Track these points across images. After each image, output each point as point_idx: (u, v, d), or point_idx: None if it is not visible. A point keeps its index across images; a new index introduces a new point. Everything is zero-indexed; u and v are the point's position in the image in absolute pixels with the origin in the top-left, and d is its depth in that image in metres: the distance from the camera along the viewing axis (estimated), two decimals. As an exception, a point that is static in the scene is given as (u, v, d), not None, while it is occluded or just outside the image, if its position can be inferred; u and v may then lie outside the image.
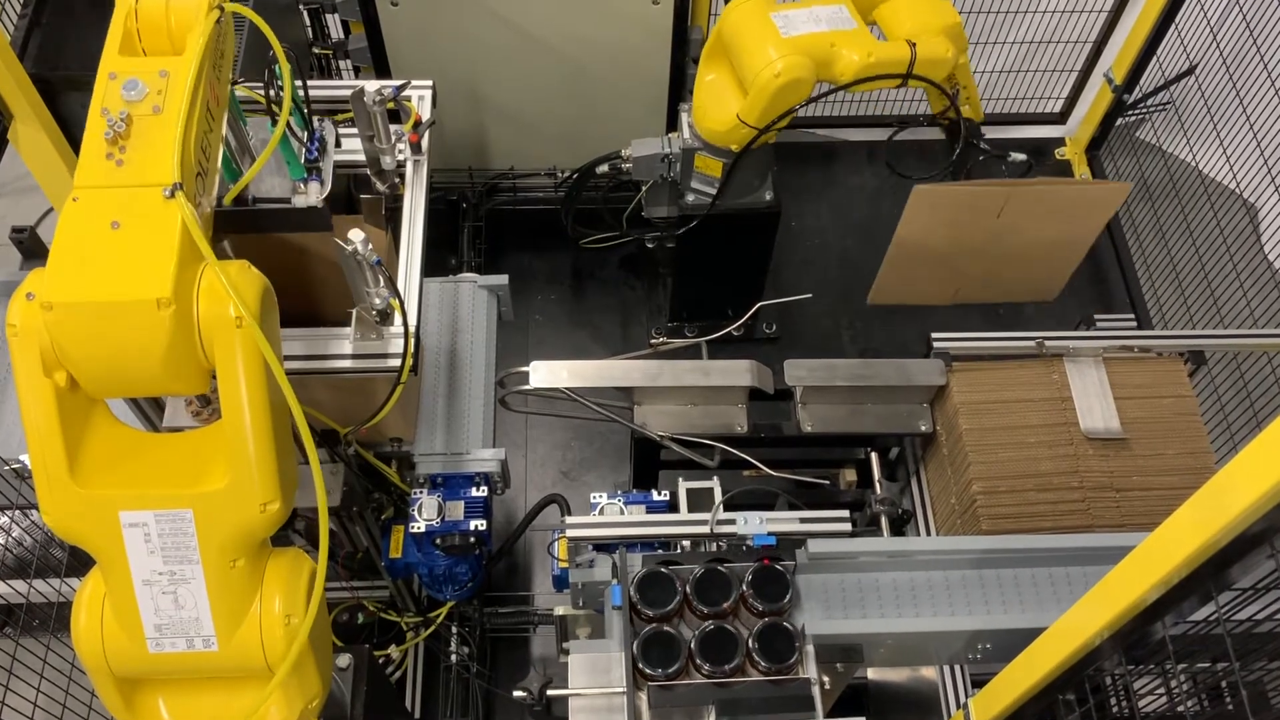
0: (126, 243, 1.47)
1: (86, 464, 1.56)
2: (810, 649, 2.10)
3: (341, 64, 3.81)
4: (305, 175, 2.06)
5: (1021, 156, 3.41)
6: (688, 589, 2.09)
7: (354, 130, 2.25)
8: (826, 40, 2.85)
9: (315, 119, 2.11)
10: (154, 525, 1.56)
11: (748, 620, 2.12)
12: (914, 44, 2.88)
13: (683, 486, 2.49)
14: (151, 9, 1.68)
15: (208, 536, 1.58)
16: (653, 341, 3.82)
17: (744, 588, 2.10)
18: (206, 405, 2.14)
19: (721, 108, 3.02)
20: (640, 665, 2.03)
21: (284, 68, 1.88)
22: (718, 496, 2.42)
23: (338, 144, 2.22)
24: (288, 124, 1.93)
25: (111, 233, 1.47)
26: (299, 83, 1.99)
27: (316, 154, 2.09)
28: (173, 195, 1.48)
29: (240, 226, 2.09)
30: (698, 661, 2.04)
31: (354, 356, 2.10)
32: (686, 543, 2.36)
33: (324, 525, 1.62)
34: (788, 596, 2.09)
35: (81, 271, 1.45)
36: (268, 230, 2.17)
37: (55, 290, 1.44)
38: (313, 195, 2.07)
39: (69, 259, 1.47)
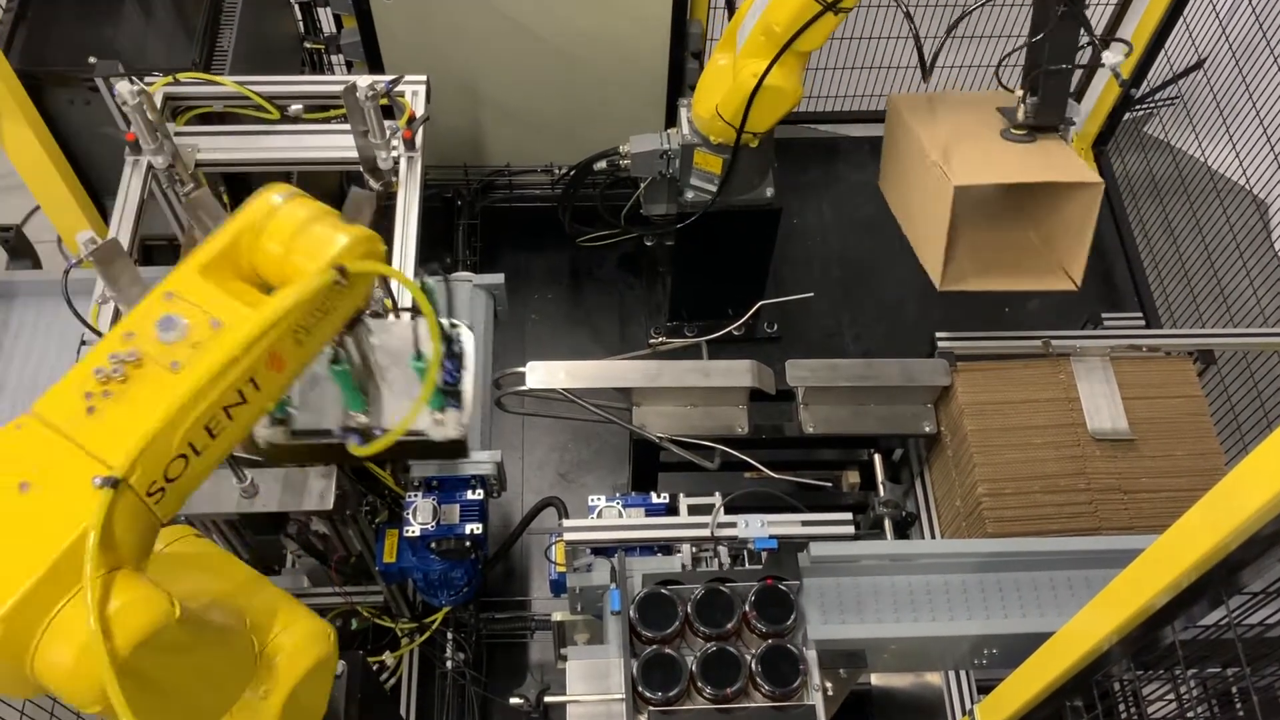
0: (16, 516, 1.18)
1: None
2: (813, 655, 2.09)
3: (334, 59, 3.81)
4: (442, 404, 1.81)
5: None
6: (689, 610, 2.09)
7: (347, 126, 2.25)
8: (760, 24, 2.73)
9: (450, 322, 1.78)
10: None
11: (751, 641, 2.11)
12: None
13: (684, 503, 2.49)
14: (268, 247, 1.37)
15: None
16: (652, 341, 3.81)
17: (746, 609, 2.10)
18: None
19: (711, 95, 3.01)
20: (640, 688, 2.02)
21: (427, 314, 1.56)
22: (718, 500, 2.42)
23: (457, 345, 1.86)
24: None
25: (14, 493, 1.18)
26: (445, 321, 1.69)
27: (455, 376, 1.82)
28: (104, 486, 1.17)
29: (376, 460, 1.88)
30: (699, 684, 2.03)
31: (347, 357, 2.09)
32: (687, 548, 2.35)
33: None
34: (791, 618, 2.08)
35: None
36: (400, 459, 1.94)
37: None
38: (451, 425, 1.82)
39: None
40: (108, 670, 1.14)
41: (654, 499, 2.50)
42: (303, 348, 1.36)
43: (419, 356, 1.65)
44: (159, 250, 3.06)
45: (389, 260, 2.22)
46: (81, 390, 1.24)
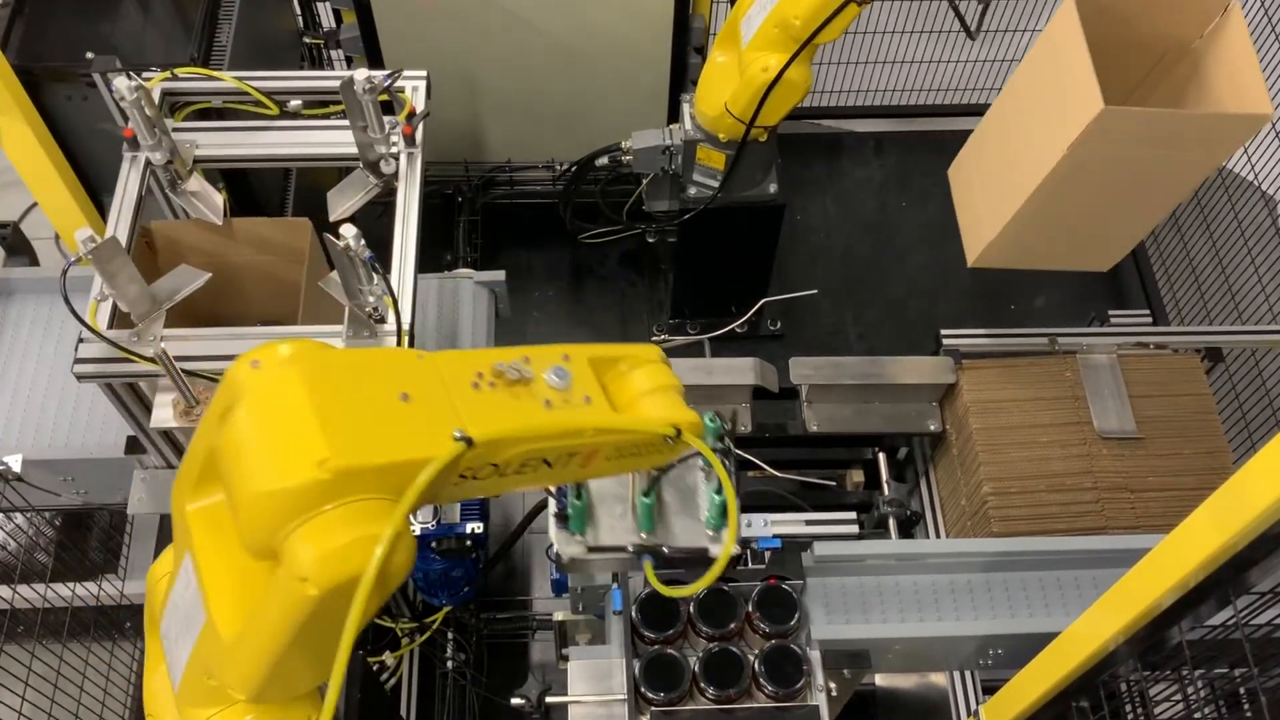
0: (388, 413, 1.34)
1: None
2: (817, 655, 2.09)
3: (333, 54, 3.81)
4: (719, 524, 1.95)
5: None
6: (691, 610, 2.09)
7: (346, 122, 2.25)
8: (773, 18, 2.73)
9: (724, 450, 1.93)
10: None
11: (754, 641, 2.11)
12: None
13: None
14: (633, 381, 1.62)
15: None
16: (654, 339, 3.82)
17: (749, 609, 2.09)
18: (197, 404, 2.14)
19: (717, 93, 3.01)
20: (642, 689, 2.02)
21: (720, 473, 1.78)
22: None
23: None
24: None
25: (395, 395, 1.35)
26: (728, 463, 1.88)
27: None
28: (460, 440, 1.33)
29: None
30: (701, 685, 2.03)
31: (346, 355, 2.09)
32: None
33: None
34: (794, 618, 2.08)
35: (326, 405, 1.29)
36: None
37: (283, 361, 1.30)
38: (730, 543, 1.93)
39: (341, 387, 1.32)
40: (372, 571, 1.23)
41: (656, 498, 2.50)
42: (607, 464, 1.59)
43: (719, 490, 1.85)
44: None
45: (390, 256, 2.23)
46: (475, 368, 1.43)
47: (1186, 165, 2.46)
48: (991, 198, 2.64)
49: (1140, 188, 2.52)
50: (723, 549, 1.84)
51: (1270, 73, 3.50)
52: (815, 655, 2.09)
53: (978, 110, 4.14)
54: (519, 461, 1.44)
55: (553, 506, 1.92)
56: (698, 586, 1.75)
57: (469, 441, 1.32)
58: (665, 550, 1.89)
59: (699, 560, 1.90)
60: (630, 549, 1.89)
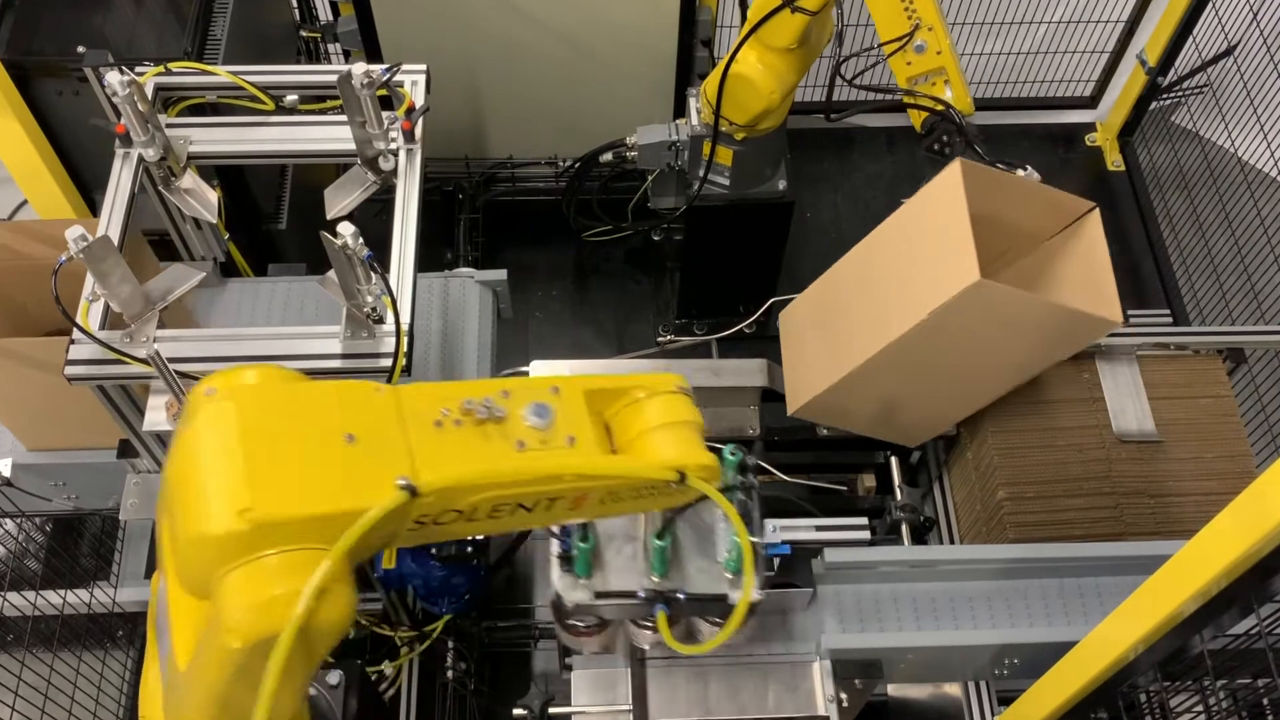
0: (327, 456, 1.26)
1: None
2: (827, 665, 2.09)
3: (331, 48, 3.81)
4: (736, 568, 1.89)
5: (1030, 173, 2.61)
6: None
7: (344, 117, 2.26)
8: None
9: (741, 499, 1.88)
10: None
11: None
12: None
13: None
14: (643, 414, 1.50)
15: None
16: (659, 339, 3.82)
17: None
18: (189, 408, 2.15)
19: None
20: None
21: (742, 538, 1.69)
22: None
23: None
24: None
25: (340, 436, 1.27)
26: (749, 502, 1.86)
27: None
28: (403, 489, 1.24)
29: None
30: None
31: (344, 356, 2.10)
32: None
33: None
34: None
35: (259, 447, 1.23)
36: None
37: (227, 394, 1.27)
38: (752, 589, 1.89)
39: (281, 426, 1.26)
40: (291, 630, 1.16)
41: (662, 503, 2.50)
42: (602, 506, 1.48)
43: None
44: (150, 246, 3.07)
45: (388, 255, 2.23)
46: (441, 404, 1.33)
47: (1027, 354, 2.51)
48: (826, 350, 2.62)
49: (974, 369, 2.54)
50: (741, 595, 1.74)
51: (1274, 112, 3.50)
52: (826, 665, 2.09)
53: (986, 105, 4.15)
54: (489, 506, 1.33)
55: (554, 548, 1.84)
56: (715, 643, 1.68)
57: (413, 490, 1.22)
58: (680, 596, 1.81)
59: (715, 604, 1.83)
60: (641, 594, 1.82)
